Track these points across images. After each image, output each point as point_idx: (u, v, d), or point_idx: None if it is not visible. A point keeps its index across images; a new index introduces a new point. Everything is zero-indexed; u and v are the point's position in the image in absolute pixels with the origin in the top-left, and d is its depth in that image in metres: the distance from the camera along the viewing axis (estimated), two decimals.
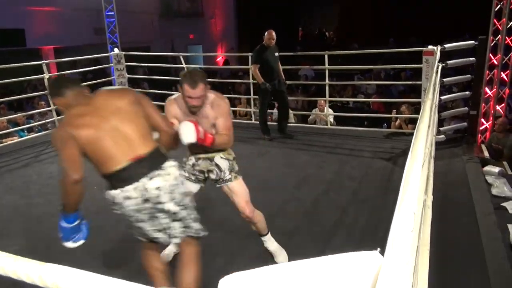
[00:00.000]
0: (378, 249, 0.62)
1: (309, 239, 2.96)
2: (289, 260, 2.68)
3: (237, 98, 7.83)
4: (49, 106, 6.23)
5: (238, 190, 2.50)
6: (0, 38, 10.07)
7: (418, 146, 1.06)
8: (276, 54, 5.23)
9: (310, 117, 6.62)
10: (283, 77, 5.35)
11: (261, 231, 2.67)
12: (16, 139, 5.91)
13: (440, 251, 2.17)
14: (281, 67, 5.33)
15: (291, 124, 6.07)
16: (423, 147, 1.09)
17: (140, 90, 8.21)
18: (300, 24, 21.39)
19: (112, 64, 6.80)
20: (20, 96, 7.78)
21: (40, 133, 6.22)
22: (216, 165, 2.49)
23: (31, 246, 2.98)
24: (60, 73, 8.75)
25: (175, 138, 2.08)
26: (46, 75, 5.84)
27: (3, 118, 6.14)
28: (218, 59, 15.76)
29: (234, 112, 7.30)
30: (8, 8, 10.26)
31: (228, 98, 7.74)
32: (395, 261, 0.50)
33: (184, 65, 6.45)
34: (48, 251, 2.63)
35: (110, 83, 8.47)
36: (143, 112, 1.92)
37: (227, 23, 17.37)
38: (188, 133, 2.08)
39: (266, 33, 5.21)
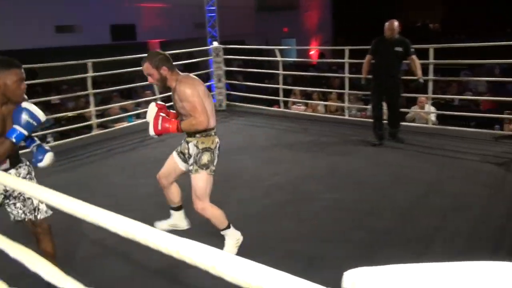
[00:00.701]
0: None
1: (402, 242, 2.82)
2: (353, 263, 2.58)
3: (330, 93, 7.69)
4: (154, 95, 6.79)
5: (194, 184, 2.53)
6: (114, 33, 11.21)
7: None
8: (398, 48, 4.67)
9: (409, 114, 6.25)
10: (419, 74, 4.75)
11: (217, 226, 2.64)
12: (125, 124, 6.56)
13: None
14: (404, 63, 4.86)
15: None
16: None
17: (234, 82, 8.53)
18: (402, 16, 20.24)
19: (211, 57, 7.14)
20: (130, 85, 8.59)
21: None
22: (188, 150, 2.57)
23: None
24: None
25: None
26: None
27: (116, 104, 6.85)
28: (311, 53, 15.64)
29: (325, 106, 7.20)
30: (122, 5, 11.37)
31: (321, 92, 7.60)
32: None
33: (279, 59, 6.52)
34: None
35: (208, 76, 8.93)
36: None
37: (322, 15, 17.11)
38: (149, 128, 2.43)
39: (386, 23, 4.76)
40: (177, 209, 2.93)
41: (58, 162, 4.81)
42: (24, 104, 2.04)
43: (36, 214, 2.22)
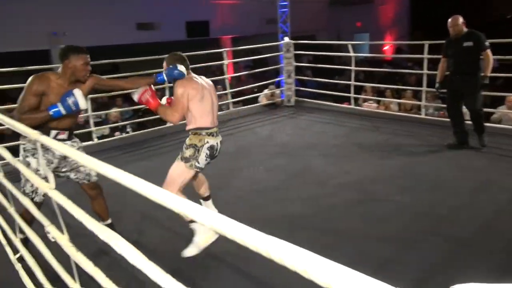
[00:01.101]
0: None
1: (484, 253, 2.61)
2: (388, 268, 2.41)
3: (404, 90, 7.32)
4: (225, 90, 6.98)
5: (170, 170, 2.70)
6: (190, 29, 11.66)
7: None
8: (467, 43, 4.27)
9: (495, 115, 5.74)
10: (486, 72, 4.25)
11: (184, 217, 2.52)
12: None
13: None
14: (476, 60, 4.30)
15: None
16: None
17: (304, 78, 8.47)
18: (488, 7, 18.54)
19: (282, 53, 7.15)
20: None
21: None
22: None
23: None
24: (236, 60, 9.67)
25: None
26: (226, 62, 6.54)
27: None
28: (385, 48, 15.00)
29: (399, 104, 6.87)
30: (198, 2, 11.78)
31: (395, 90, 7.26)
32: None
33: (351, 54, 6.34)
34: None
35: (278, 71, 8.96)
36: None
37: (399, 9, 16.31)
38: (135, 94, 2.75)
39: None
40: (206, 199, 3.15)
41: (137, 151, 5.16)
42: (75, 91, 2.42)
43: (89, 178, 2.74)
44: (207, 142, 2.65)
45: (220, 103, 7.35)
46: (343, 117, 6.31)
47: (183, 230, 3.05)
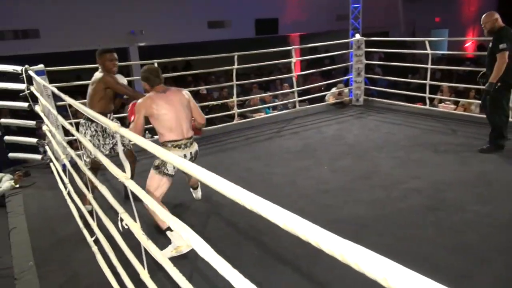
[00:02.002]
0: None
1: None
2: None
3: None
4: (292, 88, 6.97)
5: (147, 181, 2.91)
6: (259, 27, 11.78)
7: None
8: (490, 44, 4.18)
9: None
10: (491, 77, 4.13)
11: (159, 225, 2.83)
12: (263, 115, 6.90)
13: None
14: (498, 61, 4.07)
15: None
16: None
17: (374, 76, 8.17)
18: None
19: (352, 50, 6.97)
20: (269, 78, 8.98)
21: (282, 112, 7.05)
22: None
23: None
24: (303, 58, 9.61)
25: None
26: (293, 60, 6.53)
27: (256, 96, 7.24)
28: (466, 45, 13.97)
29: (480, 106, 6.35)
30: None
31: (477, 90, 6.71)
32: None
33: (428, 51, 5.98)
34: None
35: (347, 69, 8.76)
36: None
37: (483, 2, 15.08)
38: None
39: None
40: (195, 188, 3.62)
41: (203, 146, 5.34)
42: None
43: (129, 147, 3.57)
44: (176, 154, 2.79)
45: (286, 101, 7.38)
46: (415, 118, 5.99)
47: (243, 225, 3.11)
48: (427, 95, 6.18)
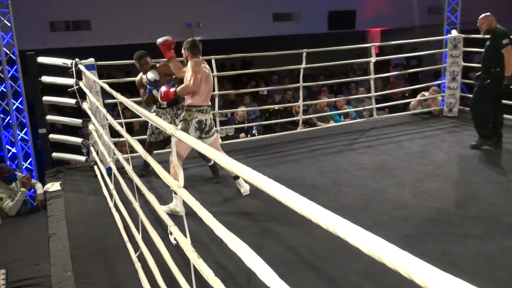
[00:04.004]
0: None
1: None
2: None
3: None
4: (369, 93, 6.86)
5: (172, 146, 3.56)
6: (332, 20, 11.75)
7: None
8: (489, 42, 5.06)
9: None
10: (502, 73, 4.91)
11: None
12: (331, 124, 6.84)
13: None
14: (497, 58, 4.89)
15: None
16: None
17: (472, 82, 7.78)
18: None
19: (446, 49, 6.73)
20: (342, 80, 8.90)
21: (355, 120, 6.95)
22: None
23: None
24: (383, 58, 9.42)
25: None
26: (372, 59, 6.43)
27: (324, 100, 7.20)
28: None
29: None
30: None
31: None
32: None
33: None
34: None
35: (439, 72, 8.45)
36: None
37: None
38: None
39: None
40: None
41: (262, 157, 5.42)
42: (148, 72, 4.33)
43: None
44: (196, 117, 3.80)
45: (361, 108, 7.28)
46: None
47: (303, 250, 3.11)
48: None
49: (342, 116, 7.45)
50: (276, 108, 7.54)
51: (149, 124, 4.56)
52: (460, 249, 3.13)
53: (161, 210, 2.12)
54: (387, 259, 0.68)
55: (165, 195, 4.01)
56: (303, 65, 6.01)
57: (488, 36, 5.06)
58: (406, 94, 8.35)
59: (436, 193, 4.09)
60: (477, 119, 5.28)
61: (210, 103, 3.94)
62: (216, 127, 5.64)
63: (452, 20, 7.82)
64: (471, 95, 7.15)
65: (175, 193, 3.33)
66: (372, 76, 6.56)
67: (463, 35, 6.57)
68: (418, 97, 7.04)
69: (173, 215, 3.22)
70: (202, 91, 3.78)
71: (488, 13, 5.03)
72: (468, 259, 2.99)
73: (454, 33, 6.76)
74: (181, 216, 1.74)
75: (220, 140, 4.99)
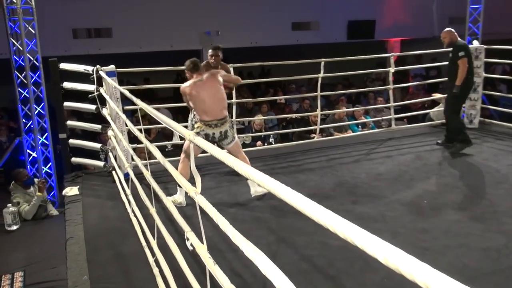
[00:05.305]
0: None
1: None
2: None
3: None
4: (387, 103, 6.81)
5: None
6: (351, 30, 11.74)
7: None
8: (451, 54, 5.49)
9: None
10: (467, 81, 5.40)
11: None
12: (349, 134, 6.81)
13: None
14: (459, 69, 5.30)
15: None
16: None
17: (494, 93, 7.68)
18: None
19: None
20: (361, 90, 8.87)
21: (373, 130, 6.91)
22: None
23: None
24: (402, 68, 9.37)
25: None
26: (391, 69, 6.40)
27: (342, 110, 7.19)
28: None
29: None
30: None
31: None
32: None
33: None
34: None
35: None
36: None
37: None
38: None
39: None
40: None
41: (278, 165, 5.42)
42: None
43: None
44: (203, 130, 3.98)
45: (379, 118, 7.23)
46: None
47: (319, 259, 3.09)
48: None
49: (360, 126, 7.41)
50: (293, 117, 7.54)
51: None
52: (479, 263, 3.07)
53: (179, 217, 2.14)
54: (406, 271, 0.68)
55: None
56: (321, 74, 6.01)
57: (451, 49, 5.51)
58: (426, 105, 8.27)
59: (455, 206, 4.03)
60: (452, 127, 5.69)
61: (223, 116, 4.02)
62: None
63: (473, 30, 7.75)
64: (493, 107, 7.12)
65: (180, 186, 3.83)
66: (391, 86, 6.52)
67: (485, 46, 6.49)
68: (438, 108, 6.97)
69: (189, 221, 3.24)
70: (201, 110, 3.97)
71: (450, 28, 5.58)
72: (487, 273, 2.94)
73: (475, 43, 6.68)
74: (198, 222, 1.75)
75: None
